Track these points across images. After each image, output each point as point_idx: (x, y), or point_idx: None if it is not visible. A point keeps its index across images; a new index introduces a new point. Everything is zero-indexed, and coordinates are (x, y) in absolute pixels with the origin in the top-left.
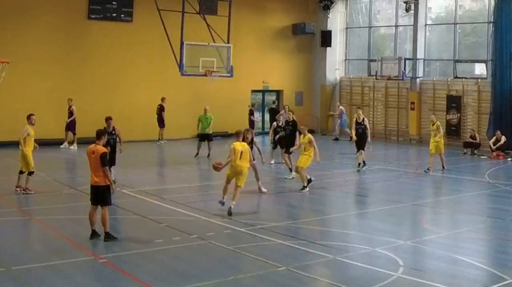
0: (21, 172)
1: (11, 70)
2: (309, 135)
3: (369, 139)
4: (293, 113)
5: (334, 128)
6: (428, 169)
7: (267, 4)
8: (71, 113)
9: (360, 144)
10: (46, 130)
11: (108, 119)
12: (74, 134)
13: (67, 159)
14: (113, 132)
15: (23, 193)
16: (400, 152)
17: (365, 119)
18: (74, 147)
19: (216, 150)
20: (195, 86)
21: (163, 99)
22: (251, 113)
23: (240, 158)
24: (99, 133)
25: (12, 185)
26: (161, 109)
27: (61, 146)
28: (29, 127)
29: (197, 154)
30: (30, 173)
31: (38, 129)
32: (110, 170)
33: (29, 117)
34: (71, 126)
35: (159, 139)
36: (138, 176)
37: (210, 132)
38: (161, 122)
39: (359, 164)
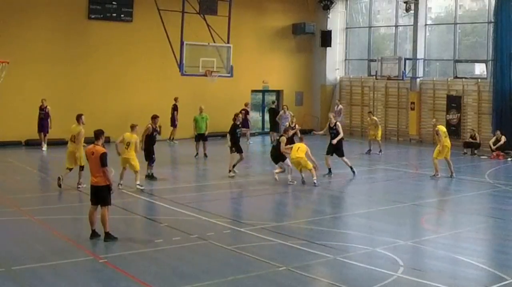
0: (81, 168)
1: (11, 70)
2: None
3: (334, 141)
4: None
5: None
6: (434, 175)
7: (267, 4)
8: (47, 114)
9: (335, 149)
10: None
11: (155, 117)
12: (45, 135)
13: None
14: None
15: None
16: (400, 152)
17: (338, 124)
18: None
19: (216, 150)
20: (195, 86)
21: (176, 99)
22: (246, 113)
23: (298, 151)
24: (98, 134)
25: (12, 185)
26: (174, 109)
27: (43, 149)
28: (82, 127)
29: (197, 154)
30: (71, 169)
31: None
32: (151, 165)
33: (80, 117)
34: (46, 127)
35: (171, 139)
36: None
37: (206, 132)
38: (173, 122)
39: (329, 169)
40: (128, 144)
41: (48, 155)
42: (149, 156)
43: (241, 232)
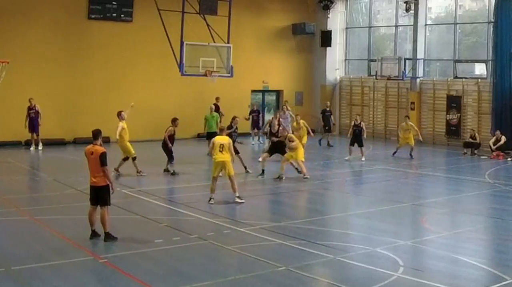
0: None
1: (11, 70)
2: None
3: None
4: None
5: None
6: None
7: (267, 4)
8: (37, 113)
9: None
10: (46, 130)
11: (176, 119)
12: (38, 135)
13: (67, 159)
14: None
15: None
16: (400, 151)
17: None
18: (40, 147)
19: None
20: (195, 87)
21: (217, 98)
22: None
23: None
24: (96, 134)
25: (12, 185)
26: (217, 109)
27: (31, 149)
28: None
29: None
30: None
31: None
32: (172, 163)
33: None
34: (37, 127)
35: None
36: (138, 176)
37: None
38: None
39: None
40: (221, 147)
41: (49, 155)
42: (171, 154)
43: (241, 232)
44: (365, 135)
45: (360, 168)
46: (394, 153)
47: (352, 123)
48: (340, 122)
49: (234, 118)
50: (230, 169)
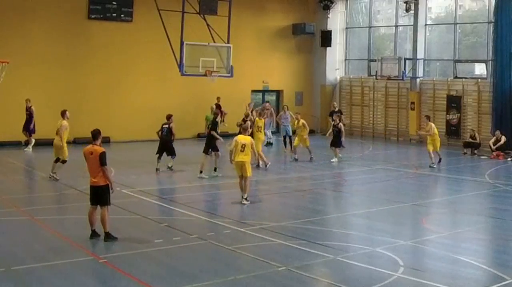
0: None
1: (11, 70)
2: None
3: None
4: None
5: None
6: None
7: (267, 4)
8: (30, 115)
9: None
10: (45, 130)
11: (171, 116)
12: (31, 135)
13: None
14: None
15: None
16: (400, 152)
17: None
18: (29, 148)
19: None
20: (195, 87)
21: (218, 98)
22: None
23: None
24: (95, 134)
25: (12, 185)
26: (218, 108)
27: (25, 149)
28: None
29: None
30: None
31: (37, 129)
32: (173, 158)
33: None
34: (28, 127)
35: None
36: (138, 176)
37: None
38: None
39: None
40: (243, 146)
41: (49, 155)
42: (172, 151)
43: (241, 232)
44: (343, 138)
45: (360, 168)
46: (440, 160)
47: (332, 124)
48: None
49: (222, 112)
50: (248, 170)
